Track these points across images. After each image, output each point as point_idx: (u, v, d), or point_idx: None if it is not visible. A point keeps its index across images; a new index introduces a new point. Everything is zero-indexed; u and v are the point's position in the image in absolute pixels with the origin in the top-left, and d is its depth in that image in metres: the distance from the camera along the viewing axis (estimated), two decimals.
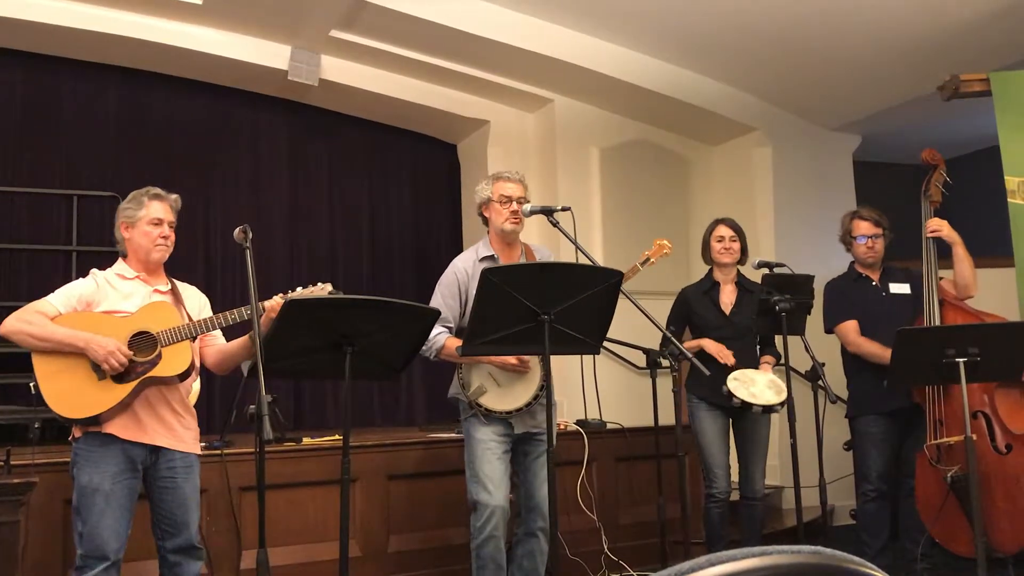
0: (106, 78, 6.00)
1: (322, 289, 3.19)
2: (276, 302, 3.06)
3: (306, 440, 4.41)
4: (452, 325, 3.52)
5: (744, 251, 4.33)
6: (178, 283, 3.27)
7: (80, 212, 5.74)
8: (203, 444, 4.09)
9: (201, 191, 6.26)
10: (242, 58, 5.84)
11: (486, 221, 3.66)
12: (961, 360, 3.37)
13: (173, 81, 6.15)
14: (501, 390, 3.45)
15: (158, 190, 3.18)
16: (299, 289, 3.20)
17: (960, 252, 4.09)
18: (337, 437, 4.38)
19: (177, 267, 5.46)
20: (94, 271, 3.15)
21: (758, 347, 4.34)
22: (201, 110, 6.33)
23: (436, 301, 3.55)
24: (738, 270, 4.37)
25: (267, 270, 6.14)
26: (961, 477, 3.70)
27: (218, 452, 3.92)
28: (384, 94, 6.28)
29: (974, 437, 3.44)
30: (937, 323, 3.99)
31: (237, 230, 3.00)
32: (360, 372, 2.94)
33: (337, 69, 6.07)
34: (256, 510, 2.77)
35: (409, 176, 7.08)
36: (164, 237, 3.12)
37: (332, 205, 6.77)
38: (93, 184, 5.82)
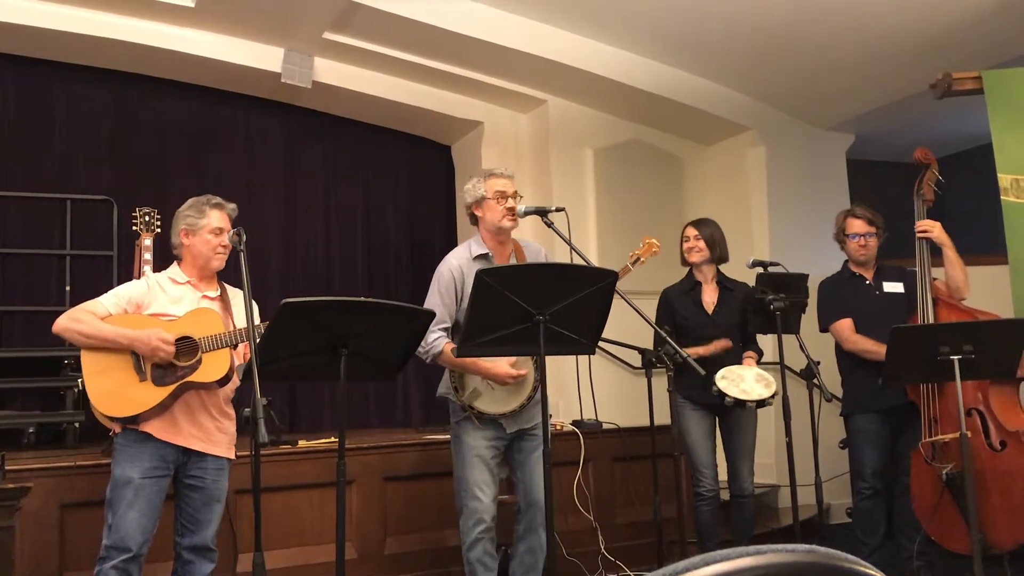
0: (99, 81, 5.98)
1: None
2: None
3: (302, 443, 4.40)
4: (449, 324, 3.52)
5: (715, 249, 4.32)
6: (228, 288, 3.34)
7: (74, 216, 5.72)
8: None
9: (195, 194, 6.12)
10: (235, 61, 5.83)
11: (475, 220, 3.65)
12: (955, 358, 3.38)
13: (166, 84, 6.14)
14: (494, 393, 3.46)
15: (218, 199, 3.29)
16: None
17: (950, 255, 4.10)
18: (333, 439, 4.37)
19: None
20: (148, 272, 3.24)
21: (740, 344, 4.35)
22: (194, 113, 6.31)
23: (432, 299, 3.55)
24: (718, 269, 4.38)
25: (262, 273, 6.13)
26: (956, 474, 3.71)
27: None
28: (378, 96, 6.28)
29: (969, 434, 3.45)
30: (931, 321, 4.00)
31: (231, 233, 3.02)
32: (356, 373, 2.94)
33: (331, 71, 6.06)
34: (252, 513, 2.77)
35: (403, 178, 7.07)
36: (224, 246, 3.22)
37: (327, 207, 6.76)
38: (87, 188, 5.80)
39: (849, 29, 5.48)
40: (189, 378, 3.03)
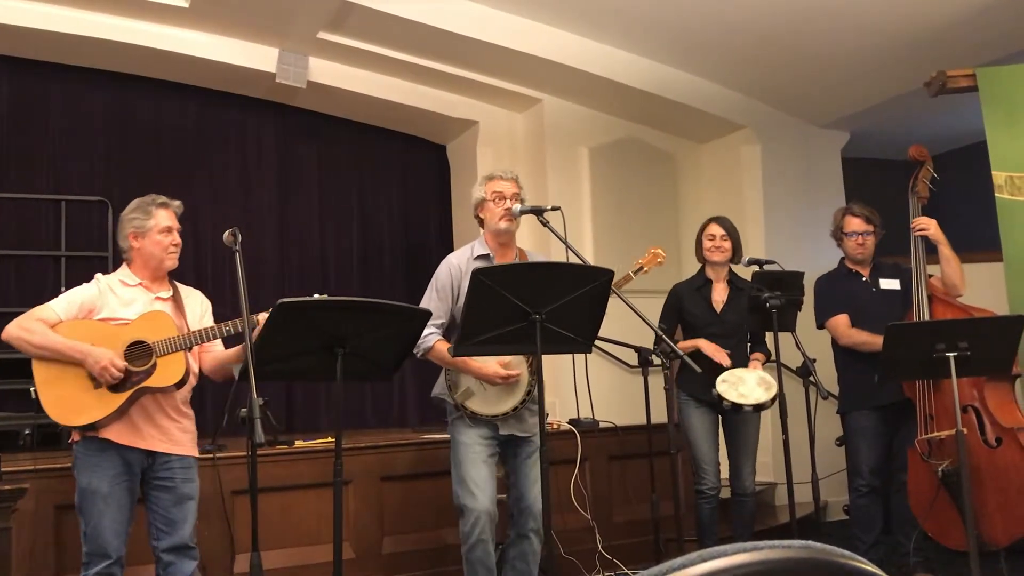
0: (93, 82, 5.97)
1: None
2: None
3: (298, 443, 4.40)
4: (444, 321, 3.52)
5: (736, 250, 4.33)
6: (180, 287, 3.31)
7: (68, 217, 5.71)
8: None
9: (189, 194, 6.15)
10: (230, 61, 5.82)
11: (482, 223, 3.66)
12: (951, 355, 3.39)
13: (161, 84, 6.13)
14: (488, 394, 3.45)
15: (163, 198, 3.24)
16: None
17: (946, 252, 4.11)
18: (329, 439, 4.37)
19: None
20: (98, 276, 3.19)
21: (748, 345, 4.36)
22: (189, 113, 6.31)
23: (428, 296, 3.56)
24: (730, 268, 4.39)
25: (257, 273, 6.12)
26: (952, 471, 3.72)
27: (210, 456, 3.91)
28: (373, 95, 6.28)
29: (964, 431, 3.46)
30: (926, 318, 4.00)
31: (226, 233, 3.01)
32: (352, 373, 2.94)
33: (325, 71, 6.05)
34: (249, 513, 2.77)
35: (398, 177, 7.07)
36: (175, 245, 3.19)
37: (322, 207, 6.75)
38: (81, 189, 5.79)
39: (843, 27, 5.49)
40: (144, 383, 2.99)
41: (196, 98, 6.28)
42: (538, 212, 3.43)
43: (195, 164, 6.29)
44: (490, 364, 3.39)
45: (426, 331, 3.39)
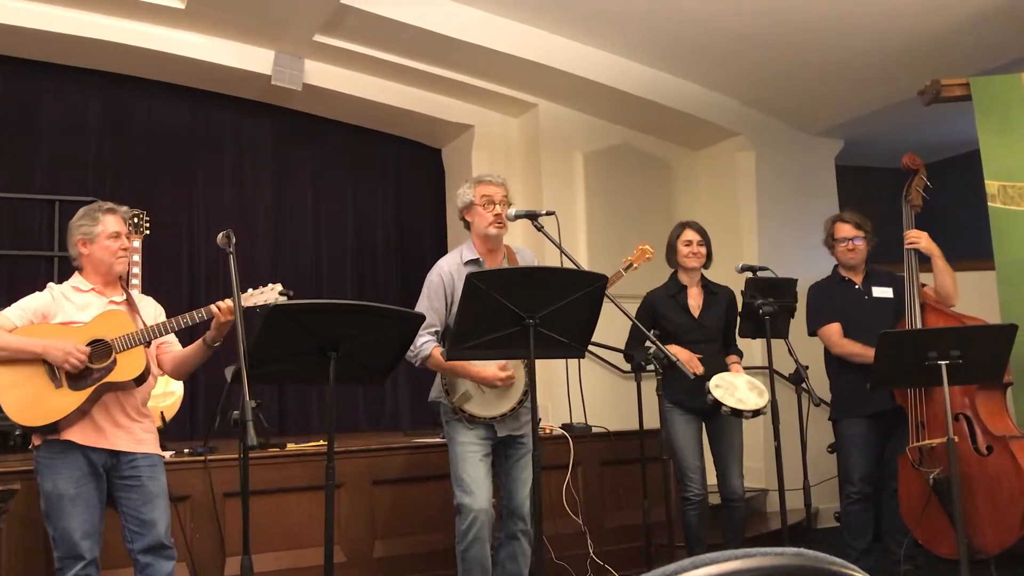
0: (88, 82, 5.96)
1: (272, 290, 3.21)
2: (226, 306, 3.06)
3: (290, 445, 4.39)
4: (439, 328, 3.52)
5: (709, 255, 4.33)
6: (133, 293, 3.33)
7: (62, 217, 5.69)
8: (187, 450, 4.10)
9: (184, 196, 6.23)
10: (225, 63, 5.82)
11: (468, 225, 3.65)
12: (943, 363, 3.40)
13: (156, 85, 6.12)
14: (485, 397, 3.46)
15: (110, 204, 3.27)
16: (250, 291, 3.21)
17: (939, 264, 4.13)
18: (322, 442, 4.36)
19: (161, 272, 5.41)
20: (51, 285, 3.21)
21: (723, 348, 4.36)
22: (184, 114, 6.30)
23: (422, 304, 3.55)
24: (701, 272, 4.39)
25: (251, 275, 6.09)
26: (943, 479, 3.73)
27: (202, 458, 3.91)
28: (368, 98, 6.28)
29: (956, 439, 3.47)
30: (919, 326, 4.02)
31: (220, 235, 3.01)
32: (345, 376, 2.94)
33: (321, 73, 6.05)
34: (240, 516, 2.76)
35: (393, 180, 7.07)
36: (124, 249, 3.20)
37: (316, 210, 6.75)
38: (75, 189, 5.77)
39: (838, 35, 5.51)
40: (106, 379, 2.99)
41: (191, 99, 6.28)
42: (532, 217, 3.43)
43: (189, 165, 6.28)
44: (489, 367, 3.39)
45: (422, 339, 3.39)
